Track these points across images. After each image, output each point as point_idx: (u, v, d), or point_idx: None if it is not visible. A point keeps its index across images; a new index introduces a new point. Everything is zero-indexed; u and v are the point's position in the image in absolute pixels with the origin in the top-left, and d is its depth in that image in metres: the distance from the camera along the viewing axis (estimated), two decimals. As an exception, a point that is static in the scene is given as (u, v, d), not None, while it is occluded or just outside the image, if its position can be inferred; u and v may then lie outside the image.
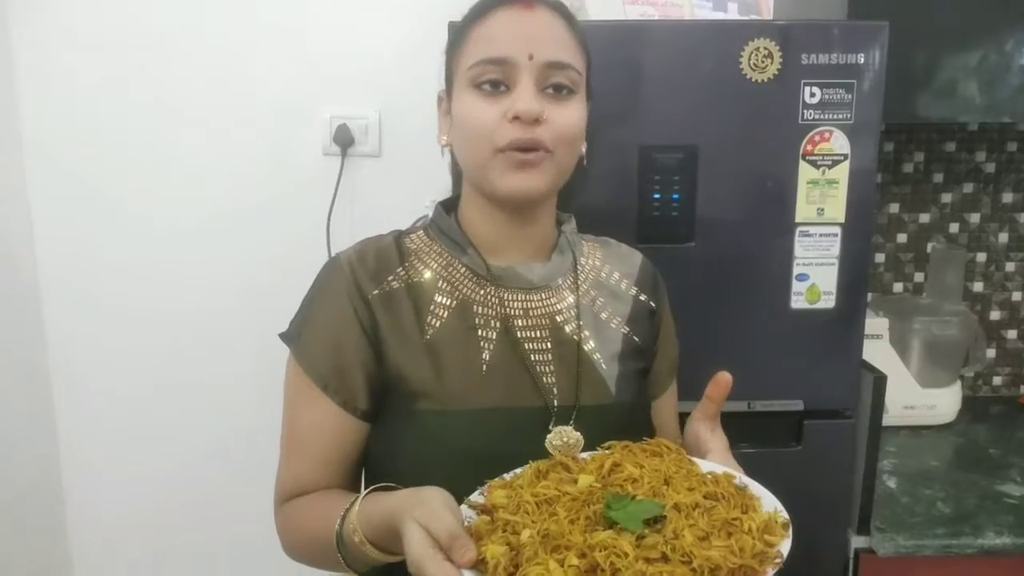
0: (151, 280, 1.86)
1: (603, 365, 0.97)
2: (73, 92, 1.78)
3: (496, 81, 0.88)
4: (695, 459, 0.85)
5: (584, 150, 0.97)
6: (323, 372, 0.91)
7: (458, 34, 0.93)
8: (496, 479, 0.81)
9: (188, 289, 1.86)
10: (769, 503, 0.78)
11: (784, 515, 0.76)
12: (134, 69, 1.78)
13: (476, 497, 0.78)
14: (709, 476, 0.81)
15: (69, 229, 1.84)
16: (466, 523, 0.72)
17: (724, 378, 0.89)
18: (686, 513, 0.73)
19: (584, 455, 0.86)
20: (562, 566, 0.65)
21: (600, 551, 0.66)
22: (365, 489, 0.95)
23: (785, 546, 0.72)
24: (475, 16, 0.91)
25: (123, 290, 1.86)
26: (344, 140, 1.80)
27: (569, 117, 0.90)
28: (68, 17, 1.75)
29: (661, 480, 0.79)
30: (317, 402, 0.91)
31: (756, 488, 0.81)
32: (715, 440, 0.90)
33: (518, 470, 0.83)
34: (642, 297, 1.05)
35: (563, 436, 0.90)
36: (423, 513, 0.69)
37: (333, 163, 1.81)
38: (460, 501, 0.76)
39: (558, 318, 0.96)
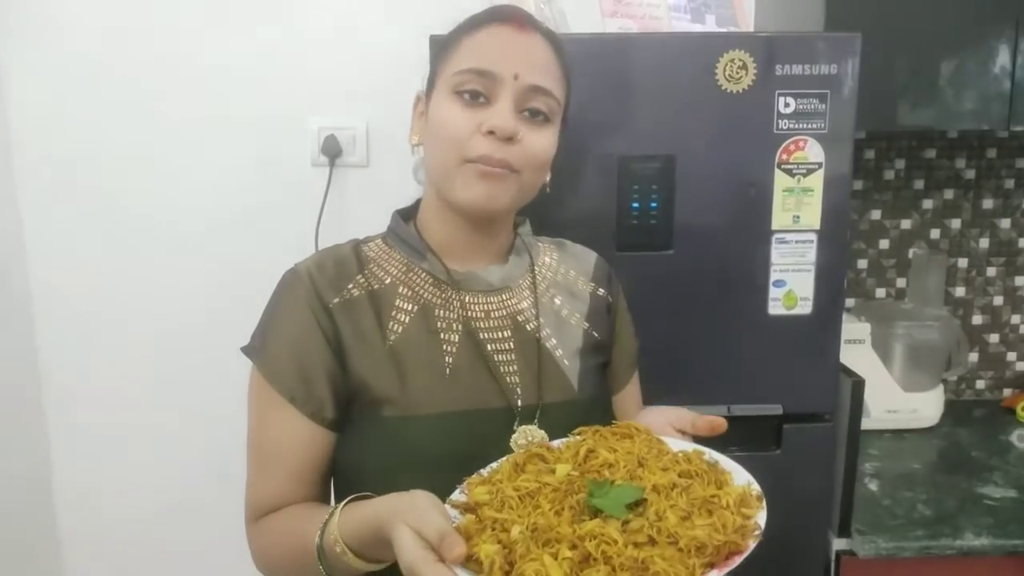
0: (138, 290, 1.87)
1: (565, 361, 0.99)
2: (62, 102, 1.80)
3: (476, 92, 0.90)
4: (663, 438, 0.86)
5: (548, 178, 0.98)
6: (289, 384, 0.91)
7: (448, 41, 0.94)
8: (474, 476, 0.81)
9: (176, 300, 1.88)
10: (741, 476, 0.80)
11: (756, 487, 0.78)
12: (123, 79, 1.80)
13: (457, 496, 0.78)
14: (681, 455, 0.82)
15: (58, 237, 1.85)
16: (452, 523, 0.72)
17: (721, 424, 0.88)
18: (665, 494, 0.75)
19: (556, 443, 0.87)
20: (555, 559, 0.66)
21: (590, 540, 0.68)
22: (335, 500, 0.95)
23: (762, 517, 0.73)
24: (469, 27, 0.92)
25: (110, 300, 1.87)
26: (332, 151, 1.82)
27: (541, 142, 0.92)
28: (57, 26, 1.77)
29: (635, 462, 0.80)
30: (284, 414, 0.91)
31: (726, 463, 0.82)
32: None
33: (494, 464, 0.83)
34: (599, 292, 1.07)
35: (527, 435, 0.92)
36: (414, 516, 0.70)
37: (321, 174, 1.83)
38: None
39: (519, 318, 0.98)
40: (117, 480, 1.95)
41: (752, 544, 0.70)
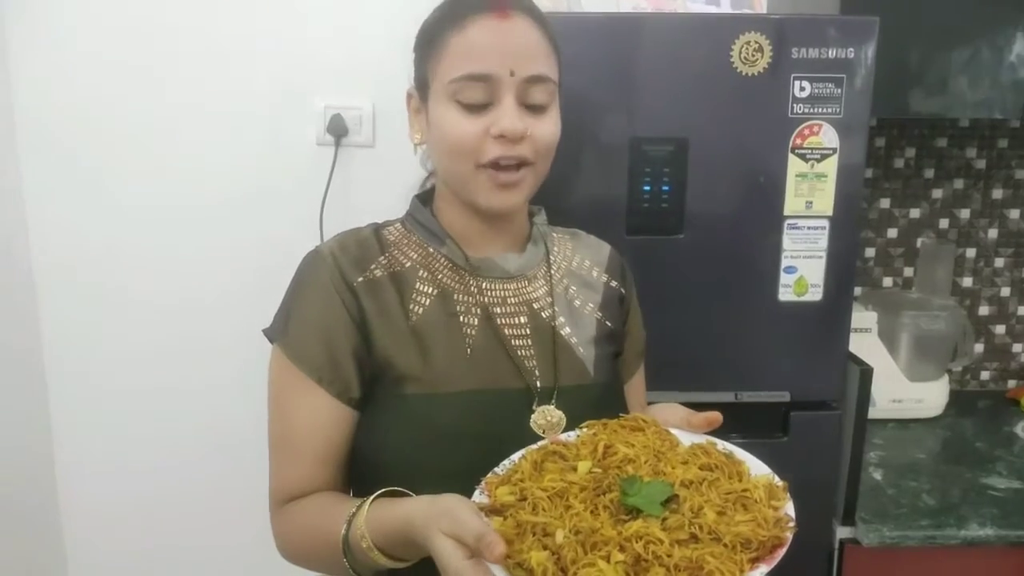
0: (143, 271, 1.85)
1: (580, 348, 1.00)
2: (66, 81, 1.77)
3: (477, 96, 0.89)
4: (671, 430, 0.87)
5: None
6: (316, 364, 0.91)
7: (432, 39, 0.92)
8: (490, 475, 0.81)
9: (180, 279, 1.86)
10: (756, 466, 0.81)
11: (778, 479, 0.79)
12: (128, 59, 1.77)
13: (479, 496, 0.78)
14: (697, 447, 0.83)
15: (63, 219, 1.83)
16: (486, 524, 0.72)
17: (716, 418, 0.88)
18: (695, 488, 0.75)
19: (566, 436, 0.87)
20: (607, 563, 0.66)
21: (637, 542, 0.68)
22: (352, 480, 0.96)
23: (790, 508, 0.75)
24: (451, 23, 0.90)
25: (116, 281, 1.85)
26: (338, 130, 1.80)
27: (549, 129, 0.93)
28: (61, 6, 1.74)
29: (654, 456, 0.80)
30: (310, 396, 0.91)
31: (739, 452, 0.83)
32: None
33: (506, 462, 0.83)
34: (612, 284, 1.08)
35: (547, 415, 0.93)
36: (449, 523, 0.70)
37: (327, 153, 1.81)
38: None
39: (535, 305, 0.99)
40: (119, 460, 1.93)
41: (790, 536, 0.71)
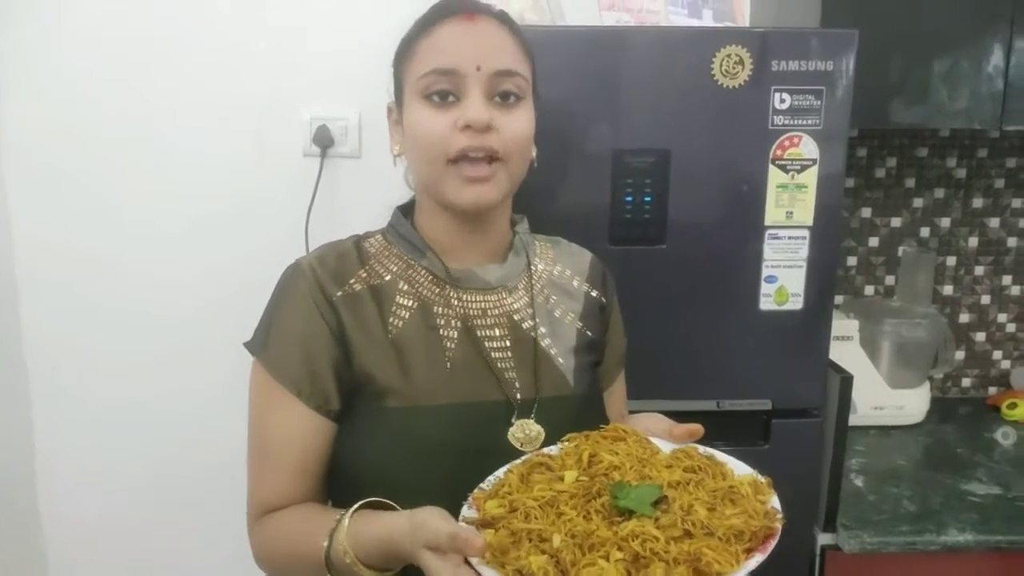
0: (128, 281, 1.85)
1: (560, 359, 1.00)
2: (51, 90, 1.78)
3: (445, 91, 0.90)
4: (651, 439, 0.88)
5: (534, 154, 0.99)
6: (295, 378, 0.91)
7: (405, 48, 0.94)
8: (476, 490, 0.82)
9: (165, 290, 1.86)
10: (737, 467, 0.83)
11: (759, 476, 0.81)
12: (114, 69, 1.77)
13: (467, 512, 0.78)
14: (680, 452, 0.84)
15: (47, 229, 1.82)
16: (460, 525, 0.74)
17: (698, 431, 0.90)
18: (683, 489, 0.77)
19: (549, 449, 0.88)
20: (608, 561, 0.68)
21: (633, 540, 0.69)
22: (331, 492, 0.96)
23: (776, 502, 0.77)
24: (421, 29, 0.93)
25: (100, 291, 1.85)
26: (324, 141, 1.81)
27: (518, 123, 0.93)
28: (48, 15, 1.75)
29: (638, 462, 0.81)
30: (290, 409, 0.92)
31: (720, 455, 0.85)
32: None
33: (491, 477, 0.84)
34: (593, 293, 1.08)
35: (524, 429, 0.93)
36: (425, 535, 0.72)
37: (312, 164, 1.82)
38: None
39: (515, 316, 0.99)
40: (102, 472, 1.92)
41: (779, 527, 0.73)
